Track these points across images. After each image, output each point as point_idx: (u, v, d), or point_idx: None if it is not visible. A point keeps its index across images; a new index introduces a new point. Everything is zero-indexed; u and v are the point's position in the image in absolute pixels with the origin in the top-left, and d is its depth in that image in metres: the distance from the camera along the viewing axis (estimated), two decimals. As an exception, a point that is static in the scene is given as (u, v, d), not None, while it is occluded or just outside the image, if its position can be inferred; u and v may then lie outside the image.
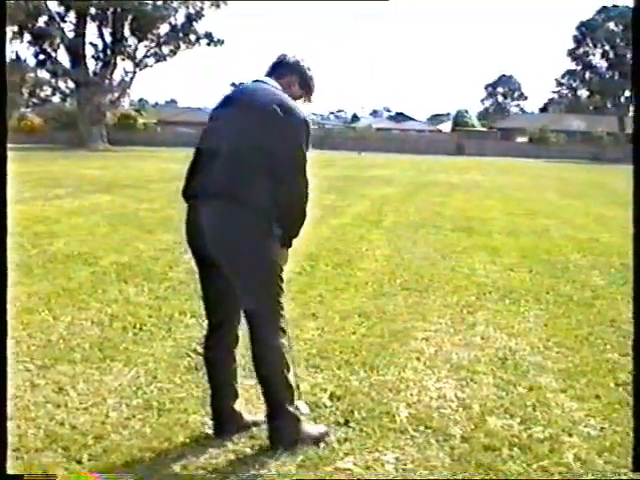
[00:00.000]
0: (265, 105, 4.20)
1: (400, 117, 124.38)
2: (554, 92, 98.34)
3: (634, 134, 3.65)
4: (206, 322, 4.57)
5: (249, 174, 4.12)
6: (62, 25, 58.36)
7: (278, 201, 4.13)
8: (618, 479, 4.09)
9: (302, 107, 4.39)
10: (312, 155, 4.25)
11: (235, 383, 4.57)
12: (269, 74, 4.49)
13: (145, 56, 62.09)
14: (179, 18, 61.47)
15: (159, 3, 59.47)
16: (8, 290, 3.34)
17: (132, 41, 61.16)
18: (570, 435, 4.66)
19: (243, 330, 4.40)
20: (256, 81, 4.43)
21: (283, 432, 4.31)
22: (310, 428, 4.47)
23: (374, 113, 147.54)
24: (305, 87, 4.55)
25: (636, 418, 3.74)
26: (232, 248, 4.15)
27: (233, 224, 4.10)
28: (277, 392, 4.30)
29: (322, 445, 4.34)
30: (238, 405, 4.59)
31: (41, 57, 60.48)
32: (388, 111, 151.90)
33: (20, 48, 59.59)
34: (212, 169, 4.17)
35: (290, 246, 4.37)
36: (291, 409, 4.32)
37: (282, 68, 4.51)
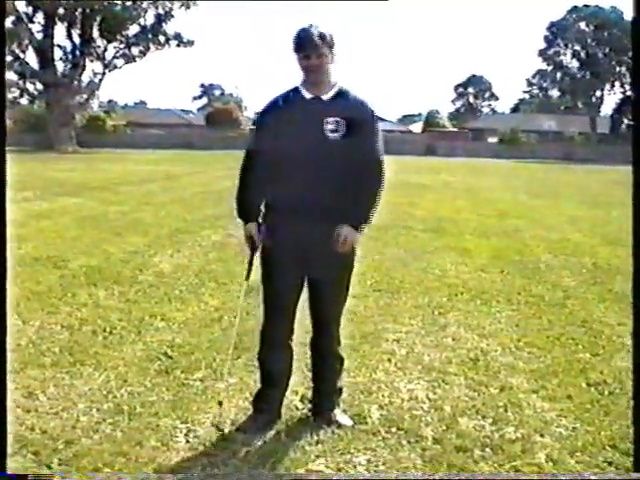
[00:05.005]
0: None
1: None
2: (525, 92, 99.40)
3: (634, 147, 3.64)
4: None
5: None
6: (30, 26, 57.89)
7: None
8: (618, 479, 4.10)
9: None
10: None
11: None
12: None
13: (114, 57, 61.64)
14: (148, 19, 61.06)
15: (128, 4, 59.07)
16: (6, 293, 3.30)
17: (101, 42, 60.72)
18: (542, 435, 4.68)
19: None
20: None
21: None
22: (341, 417, 4.75)
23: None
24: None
25: (636, 419, 3.75)
26: None
27: None
28: None
29: (294, 447, 4.33)
30: None
31: (9, 58, 59.96)
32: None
33: (-14, 49, 58.97)
34: None
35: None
36: None
37: None
